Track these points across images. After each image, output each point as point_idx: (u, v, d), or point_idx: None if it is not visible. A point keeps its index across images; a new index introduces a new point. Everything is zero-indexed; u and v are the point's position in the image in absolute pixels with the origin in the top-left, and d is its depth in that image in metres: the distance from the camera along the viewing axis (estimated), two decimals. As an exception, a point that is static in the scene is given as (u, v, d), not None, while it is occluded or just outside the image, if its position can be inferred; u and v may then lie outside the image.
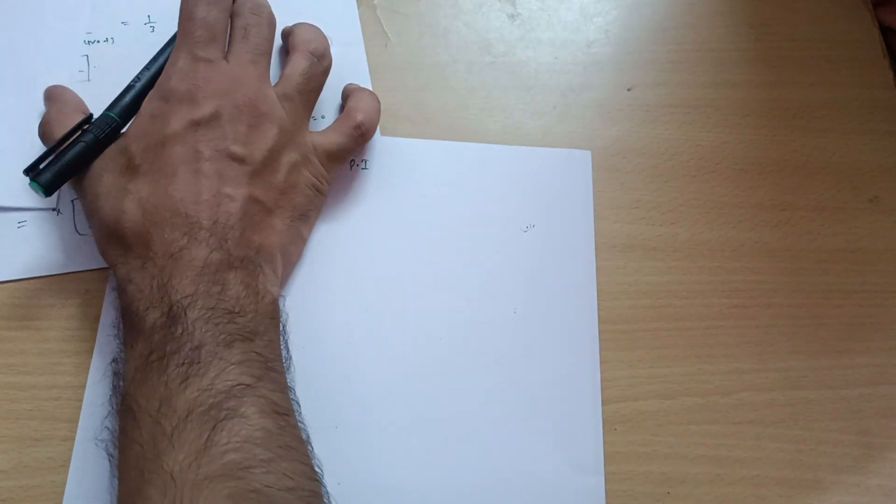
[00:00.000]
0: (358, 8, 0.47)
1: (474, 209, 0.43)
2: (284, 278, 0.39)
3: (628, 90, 0.47)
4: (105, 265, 0.38)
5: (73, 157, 0.36)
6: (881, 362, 0.42)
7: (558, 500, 0.37)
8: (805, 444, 0.40)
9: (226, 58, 0.38)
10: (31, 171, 0.35)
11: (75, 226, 0.40)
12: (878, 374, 0.41)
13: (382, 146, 0.43)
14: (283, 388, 0.34)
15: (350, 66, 0.45)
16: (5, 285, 0.39)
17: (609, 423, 0.39)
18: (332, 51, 0.42)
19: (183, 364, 0.32)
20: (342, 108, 0.43)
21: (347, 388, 0.38)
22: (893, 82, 0.48)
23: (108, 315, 0.38)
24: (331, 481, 0.35)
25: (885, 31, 0.50)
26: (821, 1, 0.50)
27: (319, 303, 0.40)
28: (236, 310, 0.34)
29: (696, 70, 0.48)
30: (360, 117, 0.41)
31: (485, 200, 0.43)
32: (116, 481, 0.32)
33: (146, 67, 0.39)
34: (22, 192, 0.39)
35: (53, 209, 0.40)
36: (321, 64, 0.41)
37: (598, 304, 0.41)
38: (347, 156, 0.41)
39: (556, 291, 0.41)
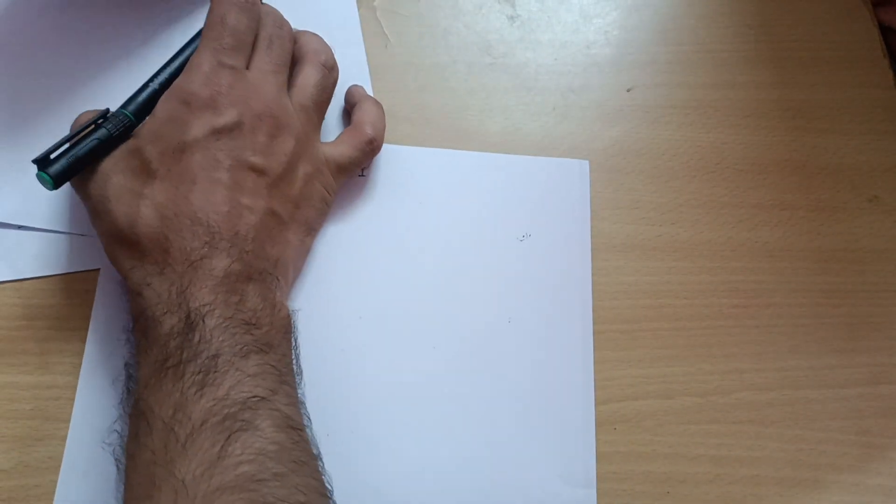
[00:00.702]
0: (358, 9, 0.47)
1: (470, 218, 0.43)
2: (291, 290, 0.39)
3: (628, 91, 0.47)
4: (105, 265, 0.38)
5: (84, 150, 0.35)
6: (881, 362, 0.42)
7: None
8: (805, 443, 0.40)
9: (247, 66, 0.38)
10: (41, 163, 0.35)
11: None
12: (877, 374, 0.41)
13: (380, 153, 0.43)
14: (296, 403, 0.34)
15: (350, 67, 0.45)
16: (5, 285, 0.39)
17: (609, 423, 0.39)
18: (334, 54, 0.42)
19: (199, 372, 0.31)
20: (345, 111, 0.44)
21: (339, 396, 0.38)
22: (893, 82, 0.48)
23: (99, 317, 0.38)
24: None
25: (885, 31, 0.50)
26: (821, 1, 0.50)
27: (312, 310, 0.40)
28: (253, 321, 0.34)
29: (695, 71, 0.48)
30: (370, 131, 0.41)
31: (481, 209, 0.43)
32: (123, 487, 0.32)
33: (164, 67, 0.38)
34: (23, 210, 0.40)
35: (56, 232, 0.40)
36: (332, 76, 0.41)
37: (599, 304, 0.41)
38: (357, 169, 0.42)
39: (551, 302, 0.41)
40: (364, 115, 0.42)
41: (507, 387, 0.39)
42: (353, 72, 0.45)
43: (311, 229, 0.40)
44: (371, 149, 0.41)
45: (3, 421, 0.36)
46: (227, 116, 0.36)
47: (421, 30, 0.47)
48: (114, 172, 0.35)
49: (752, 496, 0.38)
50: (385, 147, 0.43)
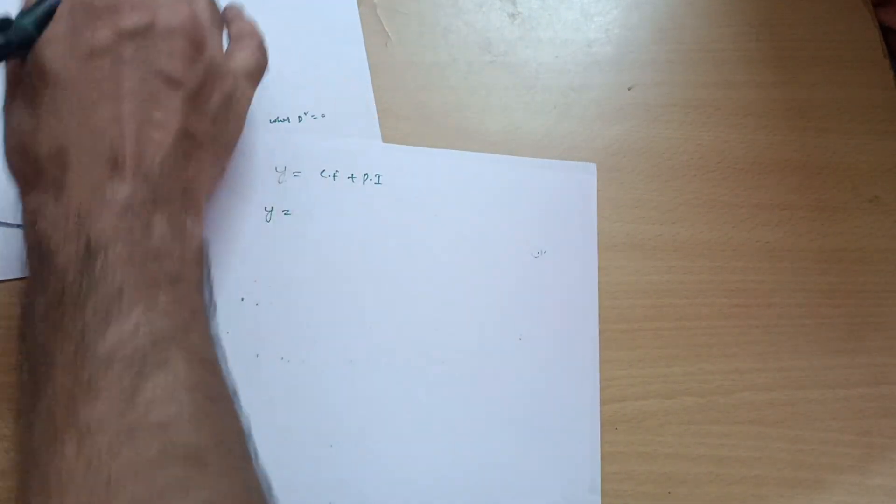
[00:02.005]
0: (358, 7, 0.47)
1: (481, 229, 0.42)
2: (205, 215, 0.36)
3: (629, 90, 0.47)
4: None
5: None
6: (882, 362, 0.42)
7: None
8: (806, 443, 0.40)
9: None
10: None
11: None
12: (878, 374, 0.41)
13: (391, 157, 0.43)
14: (209, 339, 0.31)
15: (350, 65, 0.45)
16: (5, 284, 0.38)
17: (610, 423, 0.39)
18: (332, 50, 0.41)
19: (102, 306, 0.28)
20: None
21: (345, 406, 0.38)
22: (893, 82, 0.48)
23: None
24: (323, 500, 0.35)
25: (885, 31, 0.50)
26: (821, 1, 0.50)
27: (320, 320, 0.39)
28: (161, 252, 0.30)
29: (696, 70, 0.48)
30: (257, 35, 0.38)
31: (493, 219, 0.42)
32: (24, 432, 0.29)
33: None
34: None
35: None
36: None
37: (600, 304, 0.41)
38: (262, 75, 0.39)
39: (561, 319, 0.41)
40: (244, 26, 0.39)
41: (513, 403, 0.39)
42: (353, 70, 0.45)
43: (229, 148, 0.37)
44: (264, 50, 0.39)
45: (2, 421, 0.36)
46: (138, 16, 0.31)
47: (421, 28, 0.47)
48: (16, 77, 0.32)
49: (753, 496, 0.38)
50: (387, 147, 0.43)
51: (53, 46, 0.31)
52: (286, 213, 0.41)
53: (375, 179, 0.42)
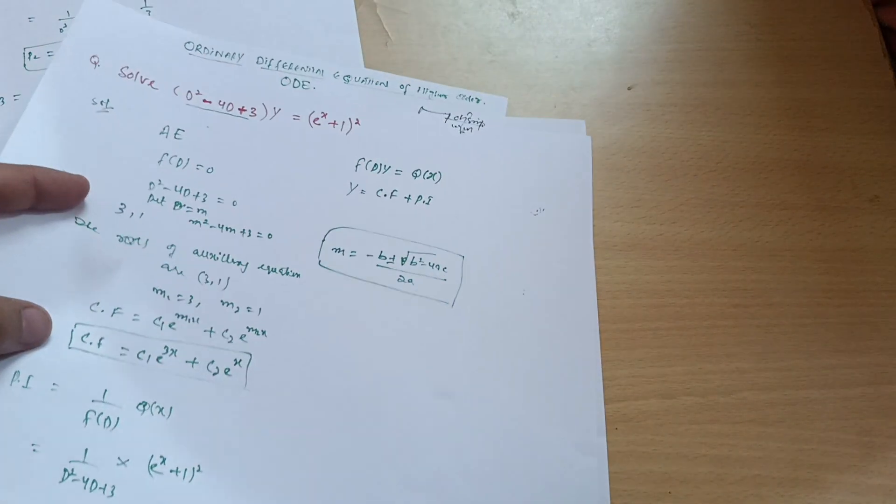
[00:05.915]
0: (358, 7, 0.47)
1: (485, 189, 0.43)
2: None
3: (629, 89, 0.47)
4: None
5: None
6: (882, 362, 0.42)
7: (561, 479, 0.37)
8: (806, 443, 0.40)
9: None
10: None
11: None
12: (878, 374, 0.41)
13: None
14: None
15: (346, 66, 0.45)
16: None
17: (610, 423, 0.39)
18: (329, 52, 0.42)
19: None
20: None
21: (353, 363, 0.39)
22: (893, 82, 0.48)
23: None
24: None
25: (885, 31, 0.50)
26: (821, 1, 0.50)
27: (329, 284, 0.40)
28: None
29: (696, 69, 0.48)
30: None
31: (495, 181, 0.43)
32: None
33: None
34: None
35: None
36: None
37: (600, 303, 0.41)
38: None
39: (560, 273, 0.41)
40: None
41: (519, 355, 0.39)
42: (350, 71, 0.45)
43: None
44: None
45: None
46: None
47: (421, 27, 0.47)
48: None
49: (753, 496, 0.38)
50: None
51: None
52: None
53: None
